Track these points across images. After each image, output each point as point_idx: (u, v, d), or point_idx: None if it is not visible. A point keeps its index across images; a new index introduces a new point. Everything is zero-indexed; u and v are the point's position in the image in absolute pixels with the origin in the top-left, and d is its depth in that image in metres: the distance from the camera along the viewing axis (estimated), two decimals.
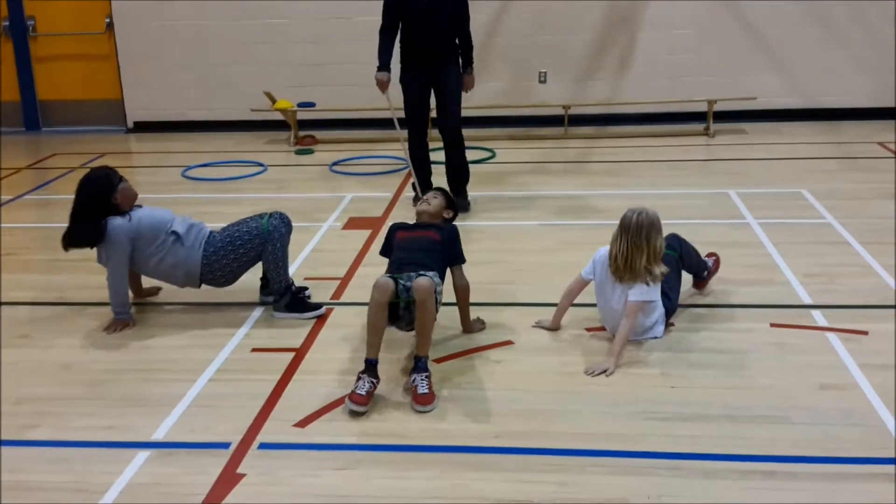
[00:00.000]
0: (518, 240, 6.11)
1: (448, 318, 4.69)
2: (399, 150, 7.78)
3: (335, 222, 6.56)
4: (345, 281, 5.41)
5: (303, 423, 3.81)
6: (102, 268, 4.89)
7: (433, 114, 6.76)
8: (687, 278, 4.92)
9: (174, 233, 4.85)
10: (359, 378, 3.96)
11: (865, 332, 4.48)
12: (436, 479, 3.42)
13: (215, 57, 9.85)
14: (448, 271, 4.54)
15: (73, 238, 4.84)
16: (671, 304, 4.58)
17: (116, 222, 4.75)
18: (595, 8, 9.42)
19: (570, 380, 4.14)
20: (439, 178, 6.77)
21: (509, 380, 4.17)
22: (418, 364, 4.05)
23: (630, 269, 4.32)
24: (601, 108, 9.66)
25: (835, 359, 4.25)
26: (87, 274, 5.48)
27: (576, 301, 4.95)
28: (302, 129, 9.50)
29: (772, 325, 4.60)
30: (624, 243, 4.32)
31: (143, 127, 10.23)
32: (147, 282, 5.21)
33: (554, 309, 4.70)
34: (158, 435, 3.77)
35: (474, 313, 4.71)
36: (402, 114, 6.71)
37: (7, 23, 10.20)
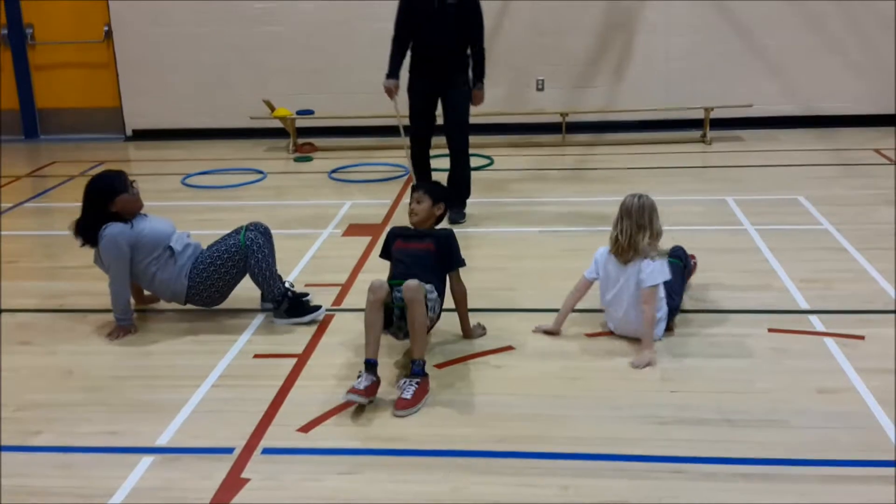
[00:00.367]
0: (517, 246, 6.15)
1: (449, 323, 4.72)
2: (400, 157, 7.83)
3: (335, 229, 6.60)
4: (345, 287, 5.44)
5: (306, 428, 3.84)
6: (103, 274, 4.91)
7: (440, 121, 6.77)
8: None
9: (170, 248, 4.88)
10: (359, 375, 4.03)
11: (862, 337, 4.52)
12: (438, 483, 3.44)
13: (214, 65, 9.89)
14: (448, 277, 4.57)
15: (78, 231, 4.87)
16: (674, 303, 4.64)
17: (116, 229, 4.76)
18: (592, 15, 9.48)
19: (570, 384, 4.17)
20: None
21: (510, 385, 4.20)
22: (413, 368, 4.08)
23: (633, 247, 4.43)
24: (598, 116, 9.71)
25: (832, 363, 4.29)
26: (88, 281, 5.50)
27: (575, 307, 5.00)
28: (301, 137, 9.53)
29: (770, 329, 4.64)
30: (627, 224, 4.45)
31: (141, 135, 10.26)
32: None
33: (554, 314, 4.73)
34: (162, 440, 3.80)
35: (474, 319, 4.74)
36: (407, 121, 6.73)
37: (5, 31, 10.22)
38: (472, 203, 6.88)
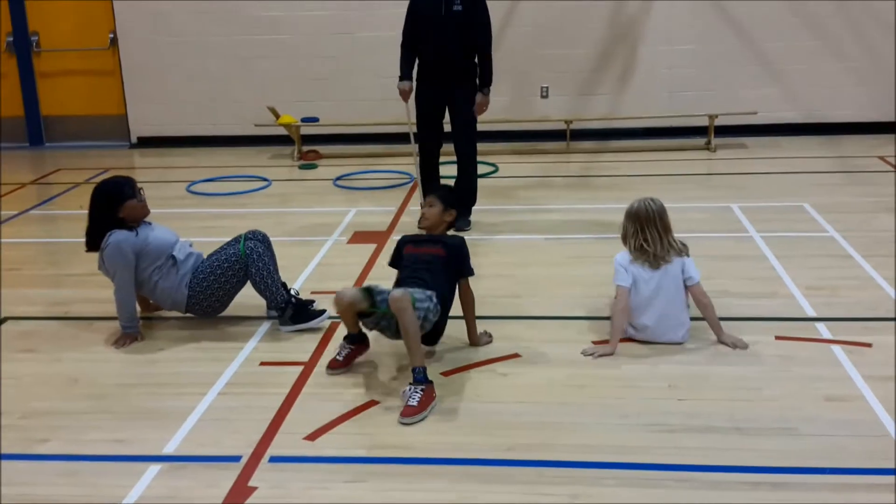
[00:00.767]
0: (523, 253, 6.14)
1: (456, 331, 4.72)
2: (404, 164, 7.83)
3: (340, 236, 6.59)
4: None
5: (313, 437, 3.83)
6: (109, 282, 4.91)
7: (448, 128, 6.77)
8: None
9: (172, 257, 4.88)
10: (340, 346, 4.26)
11: (869, 345, 4.51)
12: (445, 491, 3.43)
13: (219, 72, 9.90)
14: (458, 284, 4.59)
15: (86, 237, 4.89)
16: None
17: (121, 236, 4.77)
18: (596, 23, 9.48)
19: (577, 392, 4.17)
20: None
21: (517, 392, 4.19)
22: (414, 376, 4.07)
23: (663, 249, 4.50)
24: (603, 123, 9.71)
25: (840, 371, 4.28)
26: (93, 288, 5.50)
27: (581, 314, 5.01)
28: (305, 144, 9.55)
29: (777, 337, 4.63)
30: (652, 232, 4.51)
31: (146, 142, 10.27)
32: None
33: (561, 321, 4.72)
34: (169, 448, 3.79)
35: (481, 326, 4.73)
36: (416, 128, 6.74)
37: (11, 38, 10.25)
38: (478, 210, 6.88)
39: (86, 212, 4.92)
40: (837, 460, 3.55)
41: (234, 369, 4.51)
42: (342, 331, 4.88)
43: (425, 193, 6.69)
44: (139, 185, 4.95)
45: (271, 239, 5.16)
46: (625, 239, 4.63)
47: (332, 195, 7.96)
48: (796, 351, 4.49)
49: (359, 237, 6.56)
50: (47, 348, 4.87)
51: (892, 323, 4.77)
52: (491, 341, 4.69)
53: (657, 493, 3.37)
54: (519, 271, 5.79)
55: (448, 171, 6.94)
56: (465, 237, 5.01)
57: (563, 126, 9.44)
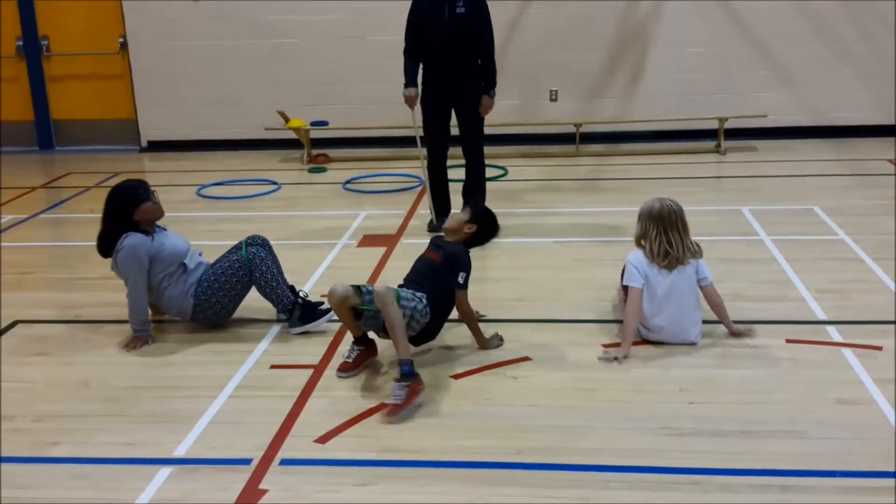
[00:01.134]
0: (532, 257, 6.15)
1: (465, 335, 4.73)
2: (413, 167, 7.84)
3: (349, 240, 6.60)
4: None
5: (323, 440, 3.84)
6: (120, 285, 4.94)
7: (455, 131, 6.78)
8: None
9: (183, 265, 4.92)
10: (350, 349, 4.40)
11: (880, 348, 4.50)
12: (455, 495, 3.43)
13: (228, 76, 9.94)
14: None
15: (98, 243, 4.91)
16: None
17: (136, 239, 4.79)
18: (605, 26, 9.49)
19: (587, 395, 4.16)
20: (456, 195, 6.80)
21: (526, 395, 4.19)
22: (400, 369, 4.11)
23: (684, 252, 4.51)
24: (612, 126, 9.71)
25: (850, 374, 4.27)
26: (104, 291, 5.53)
27: (591, 317, 5.00)
28: (315, 148, 9.57)
29: (787, 340, 4.62)
30: (675, 234, 4.51)
31: (156, 146, 10.31)
32: None
33: (569, 325, 4.72)
34: (180, 451, 3.80)
35: (490, 329, 4.73)
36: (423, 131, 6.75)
37: (21, 42, 10.30)
38: None
39: (97, 215, 4.94)
40: (847, 464, 3.54)
41: (244, 372, 4.52)
42: (351, 335, 4.91)
43: (435, 200, 6.72)
44: (152, 187, 4.97)
45: (281, 242, 5.20)
46: (641, 240, 4.61)
47: (342, 199, 7.98)
48: (807, 354, 4.48)
49: (368, 240, 6.57)
50: (59, 352, 4.89)
51: None
52: (502, 344, 4.69)
53: (667, 497, 3.37)
54: (528, 274, 5.79)
55: (455, 175, 6.94)
56: None
57: (572, 129, 9.45)
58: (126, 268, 4.79)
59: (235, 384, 4.39)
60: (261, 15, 9.71)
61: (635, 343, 4.58)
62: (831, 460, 3.57)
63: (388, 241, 6.49)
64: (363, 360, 4.49)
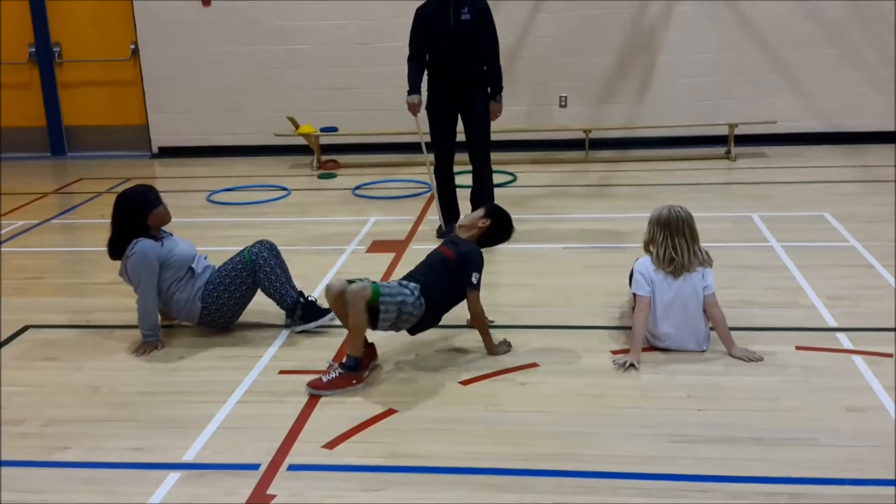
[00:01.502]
0: (541, 263, 6.14)
1: (473, 340, 4.73)
2: (423, 173, 7.84)
3: (358, 246, 6.61)
4: None
5: (331, 445, 3.84)
6: (130, 291, 4.95)
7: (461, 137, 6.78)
8: None
9: (191, 269, 4.94)
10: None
11: (890, 355, 4.47)
12: (463, 501, 3.43)
13: (239, 83, 9.97)
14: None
15: (108, 247, 4.92)
16: None
17: (147, 245, 4.81)
18: (615, 32, 9.49)
19: (596, 402, 4.15)
20: (464, 202, 6.81)
21: (535, 402, 4.18)
22: (344, 359, 4.34)
23: (690, 260, 4.48)
24: (622, 132, 9.71)
25: (860, 381, 4.25)
26: (115, 297, 5.54)
27: (600, 324, 5.00)
28: (325, 154, 9.59)
29: (797, 347, 4.60)
30: (680, 241, 4.48)
31: (167, 152, 10.34)
32: None
33: (579, 331, 4.71)
34: (189, 456, 3.80)
35: (499, 335, 4.73)
36: (429, 138, 6.76)
37: (33, 49, 10.35)
38: None
39: (108, 221, 4.96)
40: (857, 471, 3.52)
41: (253, 378, 4.52)
42: None
43: (443, 206, 6.73)
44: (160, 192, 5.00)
45: (290, 248, 5.23)
46: (648, 245, 4.60)
47: (351, 204, 7.99)
48: (817, 361, 4.46)
49: (377, 246, 6.57)
50: (69, 356, 4.91)
51: None
52: (509, 350, 4.69)
53: None
54: (537, 280, 5.78)
55: (462, 181, 6.95)
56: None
57: (581, 135, 9.44)
58: (137, 273, 4.81)
59: (244, 389, 4.40)
60: (271, 21, 9.75)
61: (644, 349, 4.57)
62: (841, 468, 3.55)
63: (396, 247, 6.49)
64: (368, 361, 4.49)
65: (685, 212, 4.55)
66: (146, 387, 4.51)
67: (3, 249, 6.94)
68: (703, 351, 4.57)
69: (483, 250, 4.73)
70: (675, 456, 3.67)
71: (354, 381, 4.31)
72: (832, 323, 4.91)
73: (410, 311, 4.41)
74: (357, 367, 4.32)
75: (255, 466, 3.69)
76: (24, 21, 10.26)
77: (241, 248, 5.10)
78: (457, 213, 6.82)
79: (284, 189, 8.48)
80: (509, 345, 4.72)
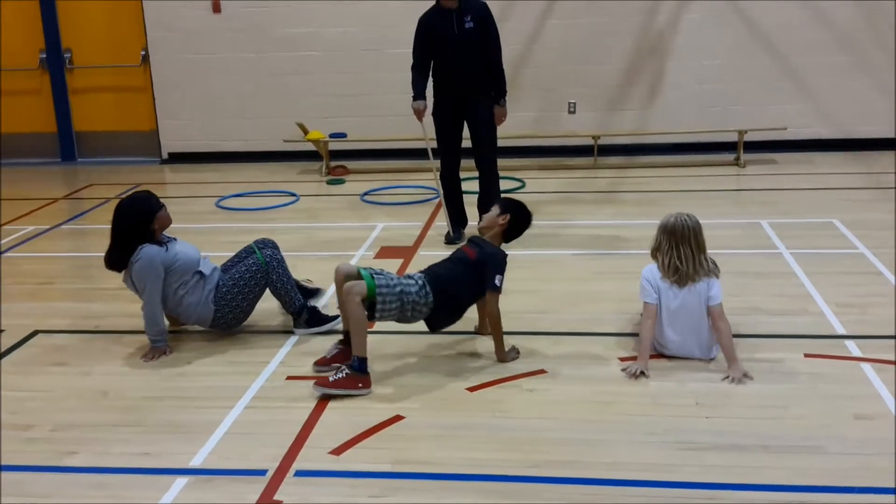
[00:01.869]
0: (549, 269, 6.14)
1: (481, 346, 4.73)
2: (432, 179, 7.83)
3: (367, 251, 6.62)
4: None
5: (338, 451, 3.84)
6: (138, 296, 4.97)
7: (467, 143, 6.79)
8: None
9: (199, 272, 4.96)
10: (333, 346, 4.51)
11: None
12: None
13: (248, 89, 10.00)
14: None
15: (110, 260, 4.93)
16: None
17: (153, 251, 4.82)
18: (624, 38, 9.48)
19: (603, 409, 4.15)
20: (471, 208, 6.81)
21: (543, 409, 4.18)
22: (351, 363, 4.34)
23: (695, 269, 4.45)
24: (631, 139, 9.70)
25: (869, 389, 4.23)
26: (123, 302, 5.56)
27: (608, 331, 4.99)
28: (333, 160, 9.60)
29: (806, 355, 4.59)
30: (686, 250, 4.45)
31: (177, 158, 10.37)
32: None
33: (587, 337, 4.70)
34: (196, 461, 3.81)
35: (508, 341, 4.73)
36: (435, 144, 6.77)
37: (44, 55, 10.40)
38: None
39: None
40: (866, 479, 3.51)
41: (260, 383, 4.53)
42: (369, 346, 4.91)
43: (451, 212, 6.74)
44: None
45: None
46: (655, 252, 4.59)
47: (360, 210, 8.00)
48: (825, 368, 4.45)
49: (386, 252, 6.58)
50: (77, 361, 4.92)
51: None
52: (518, 357, 4.69)
53: None
54: (545, 287, 5.78)
55: (468, 186, 6.95)
56: None
57: (590, 141, 9.44)
58: (142, 279, 4.82)
59: (251, 395, 4.41)
60: (280, 28, 9.77)
61: (651, 357, 4.56)
62: (849, 476, 3.53)
63: (405, 253, 6.50)
64: (341, 358, 4.53)
65: (693, 220, 4.52)
66: (154, 392, 4.52)
67: (12, 255, 6.97)
68: (711, 359, 4.55)
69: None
70: (683, 463, 3.66)
71: (360, 385, 4.31)
72: (841, 330, 4.90)
73: (415, 300, 4.42)
74: (363, 367, 4.33)
75: (262, 472, 3.70)
76: (35, 27, 10.31)
77: (246, 247, 5.17)
78: (464, 219, 6.83)
79: (293, 195, 8.50)
80: (518, 351, 4.71)
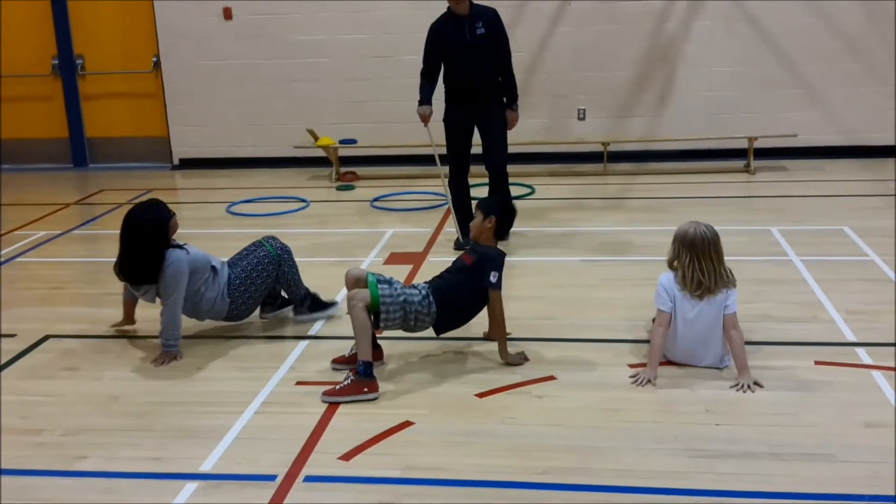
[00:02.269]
0: (559, 275, 6.14)
1: (491, 352, 4.73)
2: (440, 185, 7.84)
3: (376, 257, 6.63)
4: None
5: (347, 457, 3.84)
6: (149, 301, 4.99)
7: (477, 150, 6.79)
8: None
9: (213, 268, 5.06)
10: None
11: None
12: None
13: (259, 95, 10.03)
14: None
15: (136, 274, 4.94)
16: None
17: (182, 255, 4.90)
18: (634, 45, 9.49)
19: (612, 416, 4.14)
20: None
21: (552, 415, 4.17)
22: (357, 369, 4.38)
23: (716, 282, 4.41)
24: (640, 145, 9.70)
25: (879, 397, 4.22)
26: (139, 307, 5.56)
27: (618, 337, 4.98)
28: (343, 166, 9.63)
29: (816, 362, 4.57)
30: (708, 262, 4.41)
31: (188, 163, 10.41)
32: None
33: (595, 344, 4.69)
34: (206, 466, 3.82)
35: (516, 348, 4.73)
36: (443, 150, 6.79)
37: (57, 61, 10.45)
38: (513, 231, 6.82)
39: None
40: (876, 488, 3.49)
41: (270, 388, 4.54)
42: None
43: (458, 214, 6.75)
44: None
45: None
46: (673, 262, 4.54)
47: (369, 216, 8.01)
48: (836, 376, 4.44)
49: (395, 258, 6.59)
50: (88, 366, 4.94)
51: None
52: (522, 363, 4.66)
53: None
54: (555, 293, 5.78)
55: (477, 193, 6.93)
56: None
57: (599, 148, 9.44)
58: (173, 284, 4.85)
59: (261, 400, 4.41)
60: (291, 35, 9.81)
61: (661, 364, 4.55)
62: (860, 484, 3.52)
63: (414, 259, 6.51)
64: (355, 360, 4.51)
65: (710, 232, 4.46)
66: (164, 397, 4.53)
67: (24, 259, 7.01)
68: (724, 367, 4.53)
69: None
70: (693, 471, 3.65)
71: (366, 389, 4.32)
72: (851, 338, 4.88)
73: (419, 309, 4.46)
74: (367, 372, 4.36)
75: (271, 477, 3.70)
76: (48, 34, 10.37)
77: (254, 242, 5.30)
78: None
79: (303, 200, 8.52)
80: (525, 357, 4.71)
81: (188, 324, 5.33)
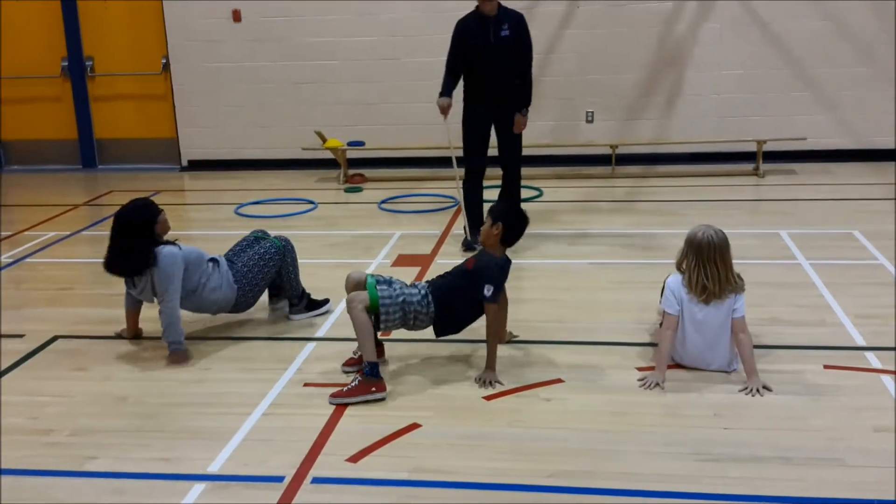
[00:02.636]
0: (567, 278, 6.13)
1: (498, 355, 4.71)
2: (449, 187, 7.86)
3: (384, 259, 6.63)
4: None
5: (355, 459, 3.85)
6: (147, 300, 5.04)
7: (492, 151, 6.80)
8: None
9: (213, 259, 5.13)
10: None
11: None
12: None
13: (267, 97, 10.05)
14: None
15: (124, 266, 4.98)
16: None
17: (174, 249, 4.91)
18: (642, 48, 9.48)
19: (620, 419, 4.14)
20: None
21: (559, 418, 4.17)
22: (364, 370, 4.40)
23: (722, 288, 4.39)
24: (649, 148, 9.69)
25: (888, 401, 4.20)
26: (142, 308, 5.57)
27: (626, 340, 4.98)
28: (351, 168, 9.64)
29: (825, 366, 4.56)
30: (712, 268, 4.38)
31: (196, 165, 10.43)
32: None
33: (604, 347, 4.68)
34: (214, 467, 3.83)
35: (524, 350, 4.73)
36: (460, 152, 6.78)
37: (66, 63, 10.49)
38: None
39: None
40: (885, 492, 3.48)
41: (278, 390, 4.55)
42: (386, 353, 4.93)
43: (469, 215, 6.75)
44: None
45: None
46: (680, 265, 4.53)
47: (377, 218, 8.02)
48: (844, 380, 4.43)
49: (403, 260, 6.59)
50: (97, 367, 4.95)
51: None
52: (492, 386, 4.49)
53: None
54: (563, 296, 5.78)
55: (488, 195, 6.95)
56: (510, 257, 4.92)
57: (608, 151, 9.43)
58: (168, 279, 4.86)
59: (269, 402, 4.42)
60: (299, 37, 9.82)
61: (669, 367, 4.54)
62: (868, 489, 3.51)
63: (422, 261, 6.51)
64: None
65: (719, 236, 4.43)
66: (173, 398, 4.54)
67: (33, 260, 7.04)
68: (732, 371, 4.53)
69: (511, 262, 4.73)
70: (701, 475, 3.65)
71: (374, 389, 4.34)
72: (860, 341, 4.87)
73: (417, 309, 4.47)
74: (374, 372, 4.38)
75: (279, 479, 3.71)
76: (58, 35, 10.40)
77: (253, 233, 5.48)
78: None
79: (311, 202, 8.53)
80: (500, 381, 4.52)
81: (196, 325, 5.36)
